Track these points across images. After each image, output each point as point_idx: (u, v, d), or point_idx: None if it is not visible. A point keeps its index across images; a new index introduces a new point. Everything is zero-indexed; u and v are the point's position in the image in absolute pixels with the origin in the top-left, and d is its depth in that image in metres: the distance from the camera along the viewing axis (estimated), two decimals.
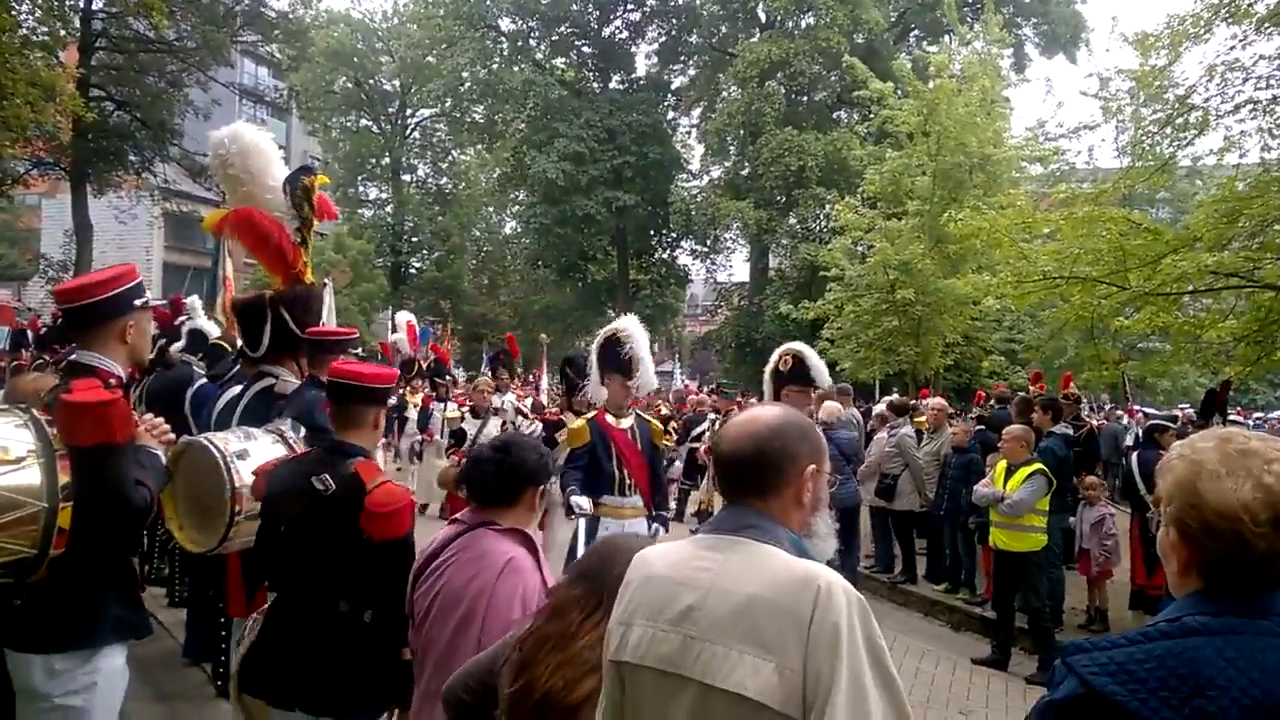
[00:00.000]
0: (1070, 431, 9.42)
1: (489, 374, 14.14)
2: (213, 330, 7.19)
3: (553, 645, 2.14)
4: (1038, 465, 7.71)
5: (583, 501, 5.84)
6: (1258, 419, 24.15)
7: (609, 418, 6.31)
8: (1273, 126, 9.03)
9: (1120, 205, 11.59)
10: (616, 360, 6.25)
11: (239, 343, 5.33)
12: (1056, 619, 8.52)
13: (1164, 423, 9.20)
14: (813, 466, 1.90)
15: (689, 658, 1.72)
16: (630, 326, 6.30)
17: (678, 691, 1.73)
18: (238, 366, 5.50)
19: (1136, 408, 19.22)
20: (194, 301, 7.90)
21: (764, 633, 1.66)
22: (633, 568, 1.93)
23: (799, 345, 6.43)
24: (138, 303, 3.26)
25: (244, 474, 3.56)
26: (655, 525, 6.30)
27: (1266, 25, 8.71)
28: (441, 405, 12.29)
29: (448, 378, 13.69)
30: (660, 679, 1.76)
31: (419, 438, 12.73)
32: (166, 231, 34.74)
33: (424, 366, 14.26)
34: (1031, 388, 12.64)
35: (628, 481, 6.29)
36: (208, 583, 5.53)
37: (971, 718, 6.66)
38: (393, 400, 11.48)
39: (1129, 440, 15.81)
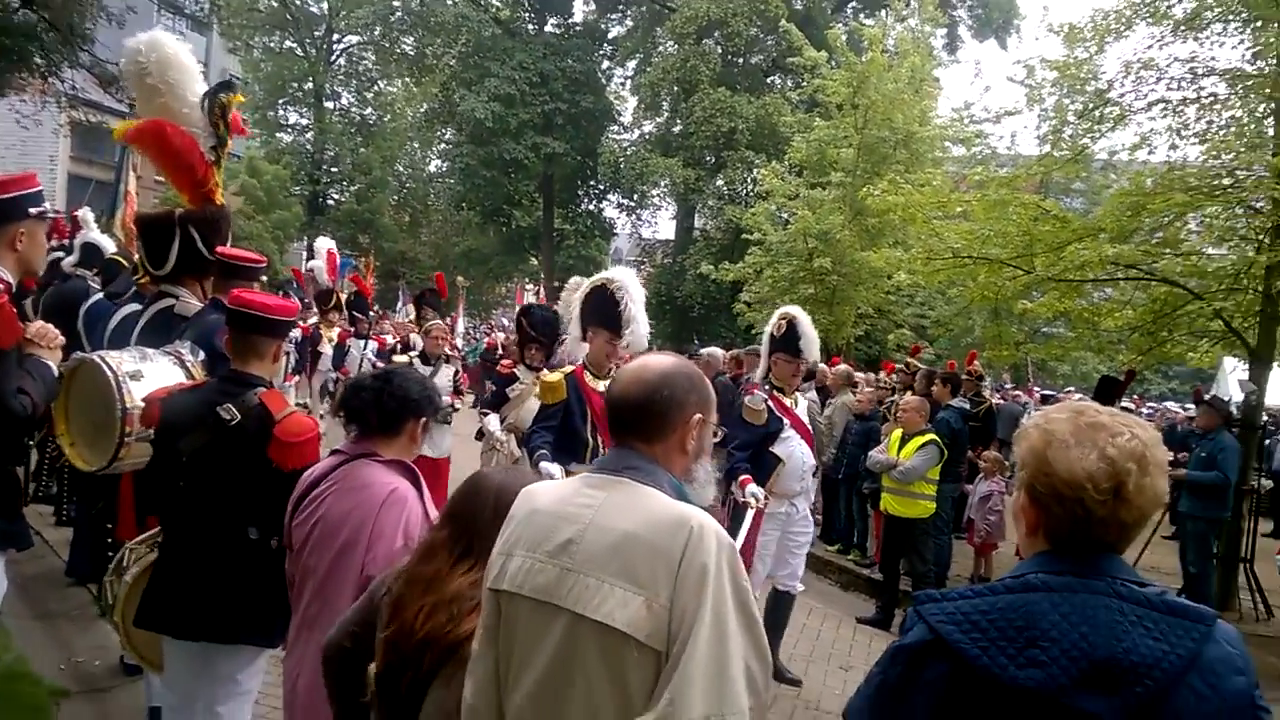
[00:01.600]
0: (966, 406, 9.75)
1: (406, 312, 13.68)
2: (108, 245, 6.92)
3: (424, 588, 2.18)
4: (931, 436, 7.98)
5: (553, 469, 5.24)
6: (1150, 408, 25.11)
7: (588, 377, 5.66)
8: (1180, 127, 9.38)
9: (1038, 192, 11.91)
10: (603, 314, 5.48)
11: (135, 259, 5.16)
12: (940, 584, 8.85)
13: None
14: (699, 416, 1.97)
15: (563, 588, 1.78)
16: (623, 278, 5.53)
17: (550, 621, 1.79)
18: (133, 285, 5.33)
19: (1036, 389, 19.96)
20: (86, 214, 7.58)
21: (636, 568, 1.73)
22: (518, 502, 1.99)
23: (794, 310, 6.31)
24: (33, 211, 3.17)
25: (137, 394, 3.48)
26: None
27: (1182, 28, 9.03)
28: (360, 343, 11.65)
29: (371, 315, 13.04)
30: (535, 608, 1.82)
31: (333, 375, 12.11)
32: (73, 141, 33.12)
33: (342, 299, 13.57)
34: (910, 360, 12.95)
35: (602, 450, 5.59)
36: (96, 502, 5.41)
37: (852, 673, 6.89)
38: (295, 333, 10.77)
39: (1025, 419, 16.42)
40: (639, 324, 5.45)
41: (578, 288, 6.59)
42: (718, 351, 11.24)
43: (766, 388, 6.29)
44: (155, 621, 3.16)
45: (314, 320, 13.04)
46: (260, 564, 3.09)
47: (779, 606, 6.43)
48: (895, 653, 1.68)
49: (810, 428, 6.54)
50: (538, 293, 32.08)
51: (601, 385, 5.61)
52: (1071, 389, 20.24)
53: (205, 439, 3.09)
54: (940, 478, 8.19)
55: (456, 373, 8.66)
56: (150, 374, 3.60)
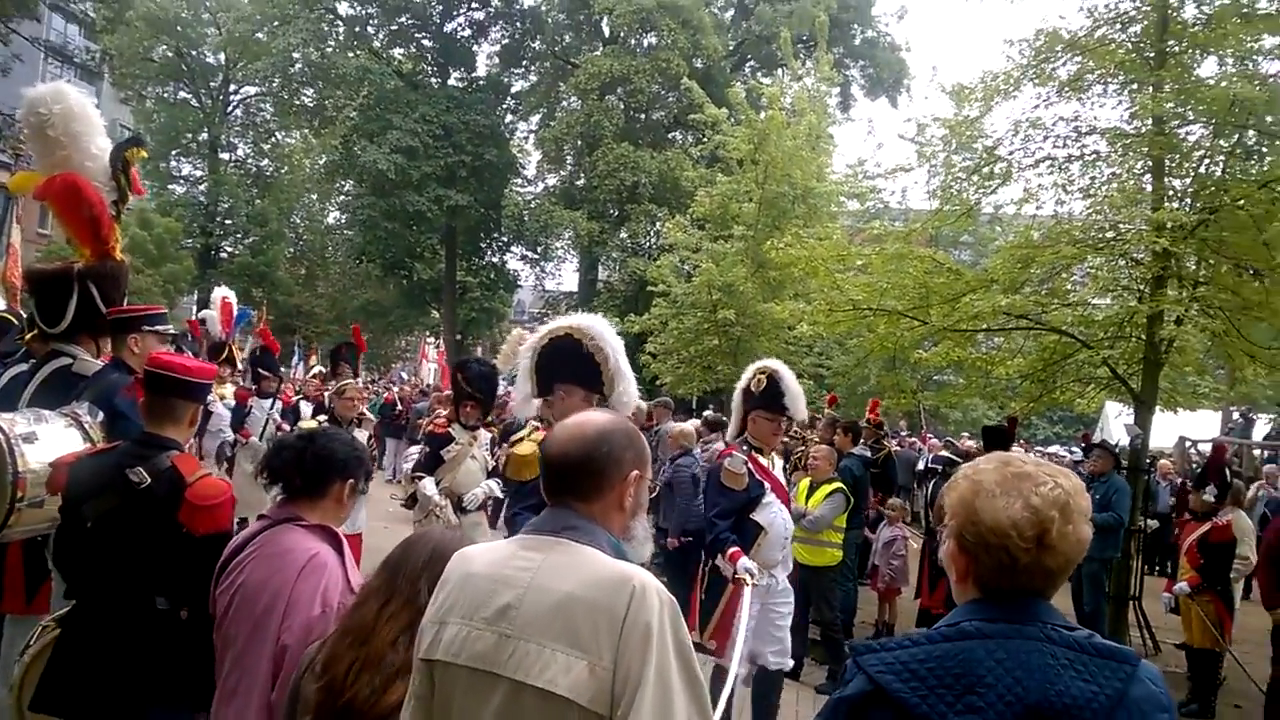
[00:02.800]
0: (868, 453, 9.97)
1: (304, 368, 13.12)
2: None
3: (352, 639, 2.13)
4: (838, 484, 8.11)
5: None
6: (1038, 452, 26.07)
7: None
8: (1066, 183, 9.84)
9: (927, 245, 12.33)
10: (575, 369, 4.36)
11: (24, 316, 4.95)
12: (847, 631, 8.95)
13: (955, 457, 9.93)
14: (636, 472, 1.97)
15: (503, 655, 1.74)
16: (596, 326, 4.41)
17: (489, 690, 1.75)
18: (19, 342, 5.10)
19: (930, 435, 20.53)
20: None
21: (579, 631, 1.70)
22: (452, 565, 1.94)
23: (774, 363, 5.87)
24: None
25: (30, 458, 3.32)
26: None
27: (1066, 90, 9.54)
28: (265, 402, 10.75)
29: (281, 371, 12.18)
30: (472, 677, 1.77)
31: (230, 438, 10.72)
32: None
33: (234, 354, 12.70)
34: (827, 409, 13.27)
35: None
36: None
37: None
38: None
39: (921, 465, 16.89)
40: (628, 380, 4.44)
41: (522, 339, 5.88)
42: (643, 403, 11.19)
43: (745, 449, 5.77)
44: (53, 704, 2.96)
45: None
46: (168, 636, 2.94)
47: (770, 687, 5.92)
48: (836, 704, 1.69)
49: (787, 489, 6.12)
50: (438, 346, 31.70)
51: None
52: (966, 434, 20.88)
53: (112, 503, 2.94)
54: (845, 524, 8.32)
55: (370, 438, 8.30)
56: (45, 436, 3.44)
